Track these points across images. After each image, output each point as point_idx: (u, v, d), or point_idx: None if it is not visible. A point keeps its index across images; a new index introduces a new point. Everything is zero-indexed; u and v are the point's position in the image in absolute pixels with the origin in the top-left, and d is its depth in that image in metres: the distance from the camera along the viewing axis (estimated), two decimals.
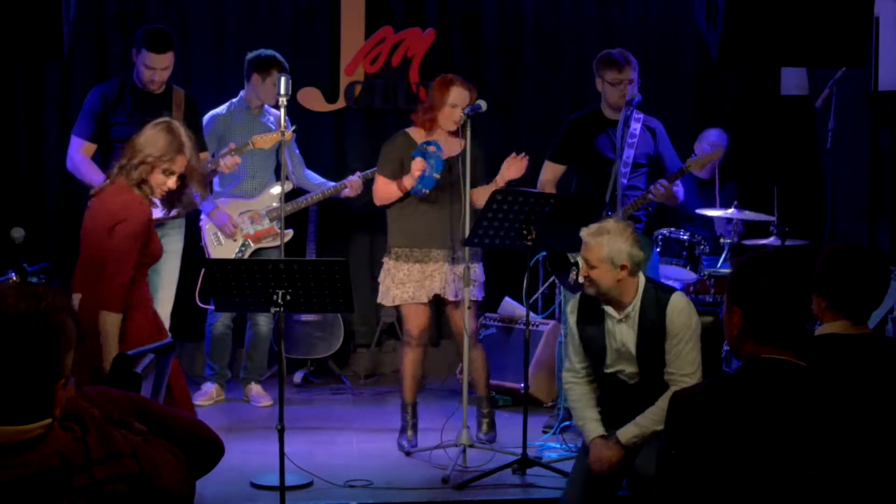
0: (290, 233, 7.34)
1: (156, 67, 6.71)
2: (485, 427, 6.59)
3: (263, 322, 7.55)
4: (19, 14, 5.39)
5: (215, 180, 7.36)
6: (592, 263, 4.91)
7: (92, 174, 6.74)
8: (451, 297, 6.44)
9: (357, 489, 5.73)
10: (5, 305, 2.52)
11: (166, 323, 6.86)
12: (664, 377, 4.89)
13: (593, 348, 5.06)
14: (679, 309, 4.89)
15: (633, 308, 4.95)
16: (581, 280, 6.62)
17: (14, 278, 5.64)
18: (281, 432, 5.27)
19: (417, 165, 6.32)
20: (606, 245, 4.87)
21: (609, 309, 5.00)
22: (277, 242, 7.16)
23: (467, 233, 6.04)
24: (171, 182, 5.12)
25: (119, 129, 6.76)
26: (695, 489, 2.92)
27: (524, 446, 5.89)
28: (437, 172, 6.32)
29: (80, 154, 6.78)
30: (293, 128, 7.00)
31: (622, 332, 4.98)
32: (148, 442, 2.71)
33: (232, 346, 7.76)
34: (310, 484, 5.77)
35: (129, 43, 6.96)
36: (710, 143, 8.03)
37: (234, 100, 7.42)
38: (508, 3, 8.82)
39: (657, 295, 4.97)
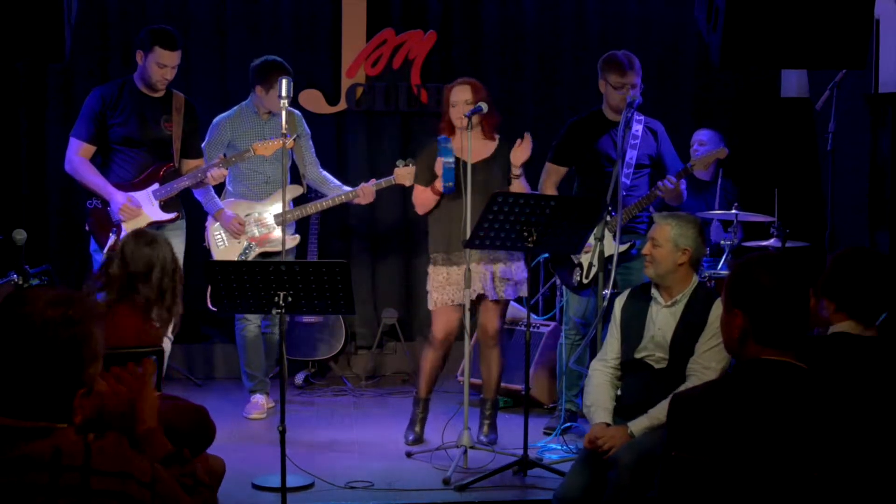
0: (296, 238, 7.28)
1: (168, 65, 6.70)
2: (485, 429, 6.59)
3: (276, 330, 7.33)
4: (21, 16, 5.40)
5: (228, 180, 7.25)
6: (657, 242, 5.07)
7: (91, 176, 6.74)
8: (490, 297, 6.46)
9: (358, 490, 5.73)
10: (33, 310, 2.53)
11: (168, 325, 6.83)
12: (686, 368, 4.92)
13: (631, 333, 5.13)
14: None
15: (682, 298, 5.07)
16: (585, 281, 6.67)
17: (16, 280, 5.66)
18: (282, 434, 5.27)
19: (439, 166, 6.40)
20: (674, 227, 5.06)
21: (657, 295, 5.12)
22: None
23: (468, 234, 6.04)
24: None
25: (118, 130, 6.76)
26: (695, 490, 2.92)
27: (525, 448, 5.89)
28: (445, 157, 6.36)
29: (78, 156, 6.78)
30: (292, 137, 6.91)
31: (663, 319, 5.06)
32: (195, 494, 2.72)
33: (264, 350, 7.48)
34: (311, 485, 5.78)
35: (132, 45, 6.94)
36: (702, 142, 8.04)
37: (243, 103, 7.30)
38: (509, 5, 8.83)
39: (707, 293, 5.14)
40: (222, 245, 7.22)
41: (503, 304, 6.59)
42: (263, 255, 7.21)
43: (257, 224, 7.23)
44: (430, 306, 6.58)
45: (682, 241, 5.03)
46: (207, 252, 7.29)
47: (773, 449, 2.84)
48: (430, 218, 6.63)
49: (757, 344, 3.00)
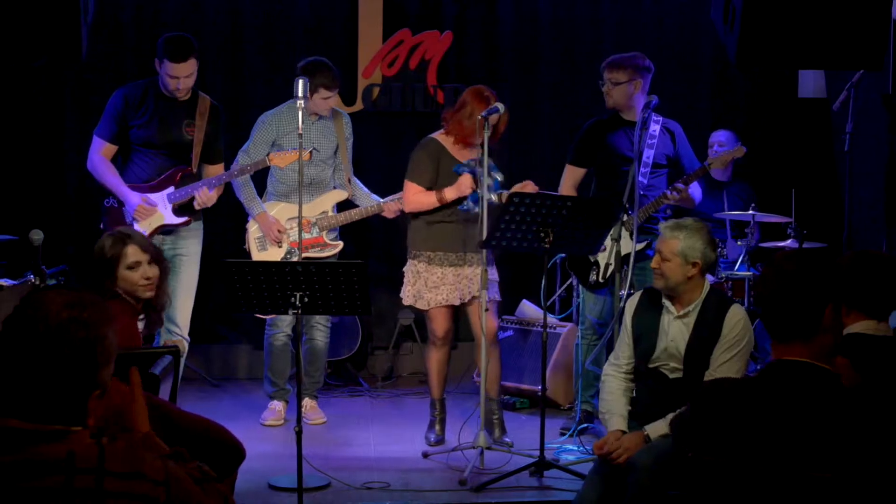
0: (340, 244, 7.15)
1: (179, 76, 6.62)
2: (496, 433, 6.56)
3: (320, 337, 7.22)
4: (38, 17, 5.42)
5: (269, 181, 7.16)
6: (666, 256, 4.99)
7: (109, 176, 6.73)
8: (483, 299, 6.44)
9: (374, 491, 5.74)
10: (47, 313, 2.51)
11: (186, 328, 6.81)
12: (703, 382, 4.88)
13: (643, 343, 5.09)
14: (738, 318, 4.92)
15: (695, 308, 5.00)
16: (602, 280, 6.66)
17: (33, 280, 5.67)
18: (299, 434, 5.27)
19: (467, 182, 6.32)
20: (683, 240, 4.96)
21: (669, 305, 5.05)
22: (325, 253, 6.97)
23: (484, 235, 6.04)
24: (142, 271, 5.06)
25: (138, 132, 6.73)
26: (713, 491, 2.92)
27: (541, 448, 5.88)
28: (495, 192, 6.30)
29: (99, 155, 6.77)
30: (310, 149, 6.83)
31: (676, 330, 5.01)
32: (205, 485, 2.70)
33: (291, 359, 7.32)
34: (327, 486, 5.78)
35: (147, 45, 6.92)
36: (721, 143, 8.04)
37: (291, 100, 6.89)
38: (525, 6, 8.83)
39: (719, 300, 5.06)
40: (262, 249, 7.06)
41: (494, 305, 6.46)
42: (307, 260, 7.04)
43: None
44: (420, 305, 6.55)
45: (692, 255, 4.95)
46: (246, 255, 7.08)
47: (790, 450, 2.83)
48: (421, 215, 6.57)
49: (773, 342, 3.02)
